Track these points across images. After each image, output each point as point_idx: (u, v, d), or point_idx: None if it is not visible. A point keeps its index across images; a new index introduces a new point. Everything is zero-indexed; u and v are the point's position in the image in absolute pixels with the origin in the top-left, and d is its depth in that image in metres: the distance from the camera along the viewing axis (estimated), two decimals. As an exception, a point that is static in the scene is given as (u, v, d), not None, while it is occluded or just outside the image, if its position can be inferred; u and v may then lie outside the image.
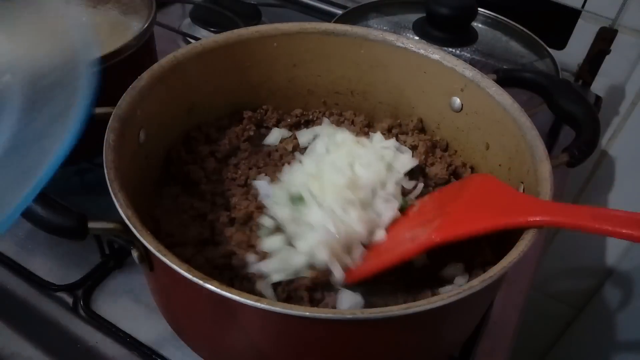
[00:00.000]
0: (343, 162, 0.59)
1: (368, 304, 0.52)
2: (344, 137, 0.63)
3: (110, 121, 0.51)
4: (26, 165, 0.35)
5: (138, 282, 0.66)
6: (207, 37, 0.64)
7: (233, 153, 0.66)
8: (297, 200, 0.56)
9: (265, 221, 0.56)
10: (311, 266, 0.51)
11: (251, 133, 0.68)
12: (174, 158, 0.63)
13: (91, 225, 0.44)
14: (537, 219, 0.45)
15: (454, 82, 0.63)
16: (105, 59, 0.64)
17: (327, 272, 0.51)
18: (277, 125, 0.70)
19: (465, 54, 0.89)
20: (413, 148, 0.66)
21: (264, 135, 0.69)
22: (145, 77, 0.56)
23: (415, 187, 0.61)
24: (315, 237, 0.52)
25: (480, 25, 0.97)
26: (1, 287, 0.65)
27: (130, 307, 0.64)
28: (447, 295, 0.40)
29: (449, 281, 0.56)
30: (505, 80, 0.62)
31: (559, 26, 1.00)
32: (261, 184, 0.61)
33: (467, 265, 0.57)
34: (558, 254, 1.23)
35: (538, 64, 0.91)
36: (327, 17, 1.12)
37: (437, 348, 0.52)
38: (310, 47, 0.68)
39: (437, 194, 0.59)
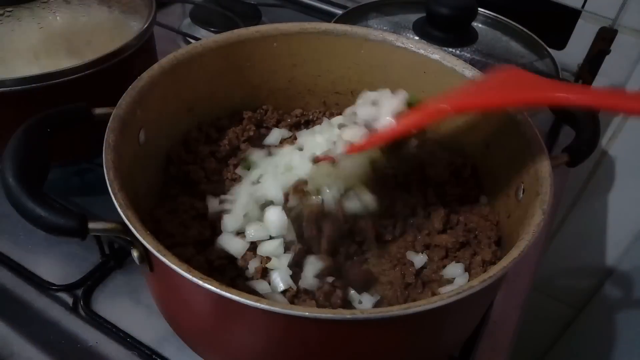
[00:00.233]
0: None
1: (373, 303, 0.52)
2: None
3: (110, 121, 0.51)
4: None
5: (138, 282, 0.66)
6: (207, 37, 0.64)
7: (233, 153, 0.67)
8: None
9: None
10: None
11: (251, 133, 0.68)
12: (174, 158, 0.63)
13: (91, 225, 0.44)
14: (560, 94, 0.45)
15: (454, 82, 0.63)
16: (105, 59, 0.64)
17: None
18: (277, 125, 0.70)
19: (465, 54, 0.89)
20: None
21: (264, 135, 0.69)
22: (145, 77, 0.56)
23: None
24: None
25: (480, 25, 0.97)
26: (1, 287, 0.65)
27: (130, 307, 0.64)
28: (447, 295, 0.40)
29: (449, 281, 0.56)
30: (505, 80, 0.62)
31: (559, 26, 1.00)
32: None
33: (467, 265, 0.57)
34: (558, 254, 1.23)
35: (538, 64, 0.91)
36: (327, 17, 1.12)
37: (437, 348, 0.52)
38: (310, 47, 0.68)
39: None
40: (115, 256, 0.67)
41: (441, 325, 0.48)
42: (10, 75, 0.61)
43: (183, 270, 0.40)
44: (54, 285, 0.65)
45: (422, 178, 0.64)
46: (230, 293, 0.39)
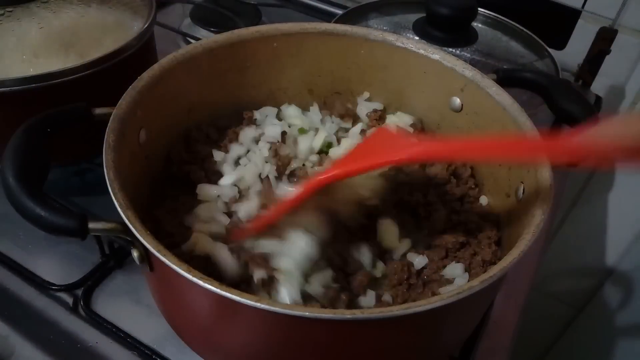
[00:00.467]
0: None
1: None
2: None
3: (110, 121, 0.51)
4: None
5: (138, 282, 0.66)
6: (207, 37, 0.64)
7: (233, 153, 0.66)
8: None
9: None
10: None
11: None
12: (174, 158, 0.63)
13: (91, 225, 0.44)
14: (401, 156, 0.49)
15: (453, 82, 0.63)
16: (105, 59, 0.64)
17: None
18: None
19: (465, 54, 0.89)
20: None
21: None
22: (145, 77, 0.56)
23: None
24: None
25: (480, 25, 0.97)
26: (1, 287, 0.65)
27: (130, 307, 0.64)
28: (447, 295, 0.40)
29: (449, 281, 0.56)
30: (505, 80, 0.62)
31: (559, 26, 1.00)
32: None
33: (467, 265, 0.57)
34: (558, 254, 1.23)
35: (538, 64, 0.91)
36: (327, 17, 1.12)
37: (437, 348, 0.52)
38: (310, 47, 0.68)
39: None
40: (115, 256, 0.67)
41: (441, 325, 0.48)
42: (10, 75, 0.61)
43: (183, 270, 0.40)
44: (54, 285, 0.65)
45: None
46: (230, 293, 0.39)
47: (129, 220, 0.43)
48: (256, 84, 0.69)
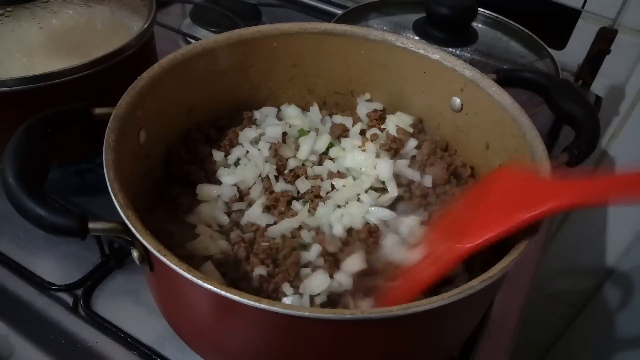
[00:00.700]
0: None
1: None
2: None
3: (110, 121, 0.51)
4: None
5: (138, 282, 0.66)
6: (207, 37, 0.64)
7: (233, 153, 0.66)
8: None
9: None
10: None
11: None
12: (174, 158, 0.63)
13: (91, 225, 0.44)
14: (554, 204, 0.44)
15: (453, 82, 0.63)
16: (105, 59, 0.64)
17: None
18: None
19: (465, 54, 0.89)
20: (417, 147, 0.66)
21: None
22: (145, 77, 0.56)
23: None
24: None
25: (480, 25, 0.97)
26: (1, 287, 0.65)
27: (130, 307, 0.64)
28: (447, 295, 0.40)
29: (449, 281, 0.56)
30: (505, 80, 0.62)
31: (559, 26, 1.00)
32: None
33: (467, 265, 0.57)
34: (558, 254, 1.23)
35: (538, 64, 0.91)
36: (327, 17, 1.12)
37: (437, 348, 0.52)
38: (310, 47, 0.68)
39: (462, 199, 0.57)
40: (115, 256, 0.67)
41: (441, 325, 0.48)
42: (10, 75, 0.61)
43: (183, 270, 0.40)
44: (54, 285, 0.65)
45: None
46: (230, 293, 0.39)
47: (129, 220, 0.43)
48: (256, 84, 0.69)
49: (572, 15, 0.98)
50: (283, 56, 0.68)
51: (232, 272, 0.53)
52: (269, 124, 0.67)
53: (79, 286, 0.65)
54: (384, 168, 0.61)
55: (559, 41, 0.99)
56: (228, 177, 0.61)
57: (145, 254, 0.46)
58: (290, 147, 0.65)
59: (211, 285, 0.39)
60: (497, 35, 0.96)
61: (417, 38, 0.90)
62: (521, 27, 0.95)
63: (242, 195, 0.61)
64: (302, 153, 0.64)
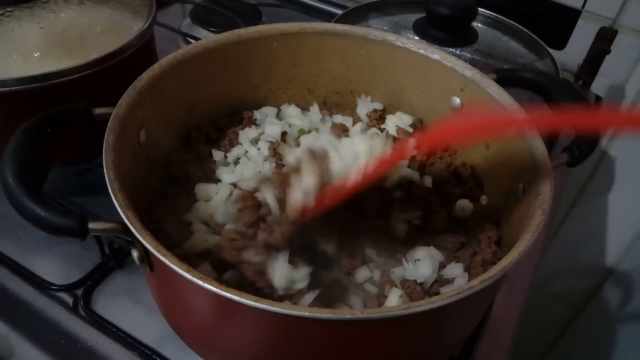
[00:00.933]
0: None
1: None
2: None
3: (110, 121, 0.51)
4: None
5: (138, 282, 0.66)
6: (207, 37, 0.64)
7: (233, 153, 0.66)
8: None
9: None
10: None
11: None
12: (174, 158, 0.63)
13: (91, 225, 0.44)
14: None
15: (453, 82, 0.63)
16: (105, 59, 0.65)
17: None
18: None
19: (465, 54, 0.89)
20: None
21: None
22: (145, 77, 0.56)
23: None
24: None
25: (480, 25, 0.97)
26: (1, 287, 0.65)
27: (130, 307, 0.64)
28: (447, 295, 0.40)
29: (449, 281, 0.56)
30: (505, 80, 0.62)
31: (559, 26, 1.00)
32: None
33: (467, 265, 0.57)
34: (558, 254, 1.23)
35: (538, 64, 0.91)
36: (327, 17, 1.12)
37: (437, 348, 0.52)
38: (310, 47, 0.68)
39: None
40: (115, 256, 0.67)
41: (441, 325, 0.48)
42: (10, 75, 0.61)
43: (183, 270, 0.40)
44: (54, 285, 0.65)
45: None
46: (230, 293, 0.39)
47: (129, 220, 0.43)
48: (256, 84, 0.69)
49: (572, 15, 0.98)
50: (283, 56, 0.68)
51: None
52: (269, 123, 0.67)
53: (79, 286, 0.65)
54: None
55: (559, 41, 0.99)
56: (227, 176, 0.61)
57: (145, 254, 0.46)
58: (291, 147, 0.65)
59: (211, 285, 0.39)
60: (497, 35, 0.96)
61: (417, 38, 0.90)
62: (521, 27, 0.95)
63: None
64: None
